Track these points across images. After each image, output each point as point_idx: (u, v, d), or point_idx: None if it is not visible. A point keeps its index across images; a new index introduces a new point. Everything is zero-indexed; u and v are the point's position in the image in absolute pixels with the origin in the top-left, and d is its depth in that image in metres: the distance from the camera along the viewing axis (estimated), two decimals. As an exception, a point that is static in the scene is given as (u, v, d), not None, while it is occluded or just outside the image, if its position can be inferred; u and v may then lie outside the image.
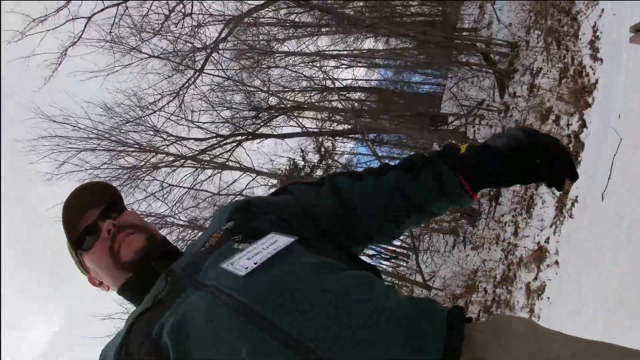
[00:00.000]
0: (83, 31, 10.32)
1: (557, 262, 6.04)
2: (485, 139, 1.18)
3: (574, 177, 1.08)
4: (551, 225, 6.61)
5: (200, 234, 1.30)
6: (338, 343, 0.82)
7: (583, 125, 6.23)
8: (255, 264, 0.95)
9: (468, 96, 11.13)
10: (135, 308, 1.17)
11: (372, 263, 1.22)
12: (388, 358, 0.82)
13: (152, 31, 10.76)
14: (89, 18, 10.32)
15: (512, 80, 8.97)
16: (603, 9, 5.83)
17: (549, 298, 5.95)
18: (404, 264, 17.09)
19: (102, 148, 11.93)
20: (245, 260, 0.96)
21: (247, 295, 0.90)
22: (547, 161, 1.08)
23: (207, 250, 1.06)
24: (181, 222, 14.19)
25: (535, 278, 6.61)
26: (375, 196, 1.19)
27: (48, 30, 10.04)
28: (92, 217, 1.19)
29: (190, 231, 14.36)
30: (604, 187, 4.80)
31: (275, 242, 1.02)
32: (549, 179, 1.08)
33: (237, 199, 14.81)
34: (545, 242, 6.67)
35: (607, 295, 3.94)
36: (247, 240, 1.04)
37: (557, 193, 6.75)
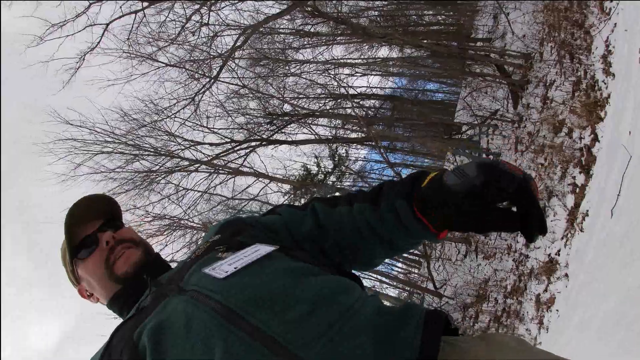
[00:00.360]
0: (101, 38, 10.55)
1: (567, 275, 6.06)
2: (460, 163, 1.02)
3: (542, 230, 0.93)
4: (562, 238, 6.62)
5: None
6: (311, 342, 0.85)
7: (595, 139, 6.24)
8: (235, 268, 0.99)
9: (482, 106, 11.14)
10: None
11: (357, 274, 1.26)
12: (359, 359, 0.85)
13: (168, 40, 10.96)
14: (107, 25, 10.54)
15: (525, 91, 8.99)
16: (615, 24, 5.85)
17: (557, 310, 5.96)
18: (416, 271, 17.10)
19: (118, 151, 12.13)
20: (226, 266, 1.01)
21: (225, 296, 0.93)
22: (514, 205, 0.94)
23: (193, 260, 1.10)
24: (195, 225, 14.37)
25: (546, 290, 6.63)
26: (347, 229, 1.20)
27: (67, 36, 10.27)
28: (92, 228, 1.25)
29: (203, 233, 14.51)
30: (614, 202, 4.82)
31: (257, 251, 1.06)
32: (517, 228, 0.94)
33: (249, 204, 14.96)
34: (556, 254, 6.68)
35: (615, 310, 3.96)
36: (230, 250, 1.08)
37: (568, 205, 6.78)
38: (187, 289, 0.99)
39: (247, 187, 14.91)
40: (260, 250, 1.07)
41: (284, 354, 0.84)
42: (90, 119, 11.25)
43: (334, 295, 0.95)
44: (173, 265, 1.34)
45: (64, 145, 10.98)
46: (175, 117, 12.83)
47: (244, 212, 14.74)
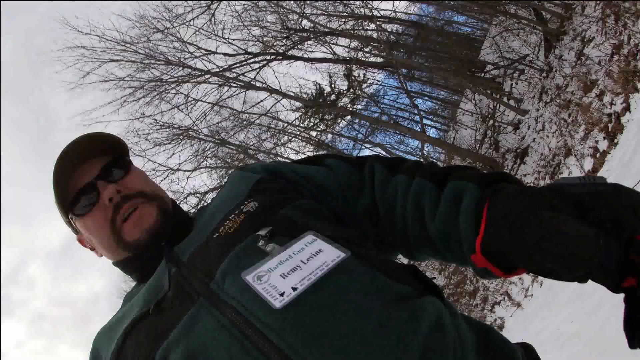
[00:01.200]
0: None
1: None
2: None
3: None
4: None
5: (213, 196, 1.09)
6: None
7: (627, 108, 6.10)
8: (294, 289, 0.72)
9: (511, 48, 10.73)
10: (133, 282, 1.02)
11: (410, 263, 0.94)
12: None
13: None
14: None
15: (560, 42, 8.62)
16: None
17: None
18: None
19: (128, 60, 11.86)
20: (278, 279, 0.74)
21: (283, 337, 0.68)
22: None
23: (223, 241, 0.85)
24: (203, 136, 14.41)
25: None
26: (398, 208, 0.94)
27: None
28: (90, 173, 0.96)
29: (211, 144, 14.63)
30: (637, 180, 4.80)
31: (318, 253, 0.78)
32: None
33: (259, 119, 14.83)
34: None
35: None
36: (276, 238, 0.82)
37: (586, 168, 6.75)
38: (224, 299, 0.75)
39: (259, 102, 14.77)
40: (323, 252, 0.78)
41: None
42: (99, 27, 10.87)
43: (420, 339, 0.69)
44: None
45: (73, 54, 10.70)
46: (189, 24, 12.44)
47: (256, 127, 14.63)
